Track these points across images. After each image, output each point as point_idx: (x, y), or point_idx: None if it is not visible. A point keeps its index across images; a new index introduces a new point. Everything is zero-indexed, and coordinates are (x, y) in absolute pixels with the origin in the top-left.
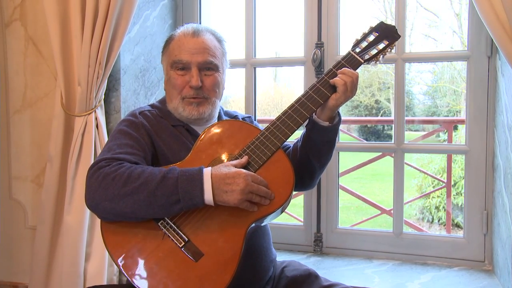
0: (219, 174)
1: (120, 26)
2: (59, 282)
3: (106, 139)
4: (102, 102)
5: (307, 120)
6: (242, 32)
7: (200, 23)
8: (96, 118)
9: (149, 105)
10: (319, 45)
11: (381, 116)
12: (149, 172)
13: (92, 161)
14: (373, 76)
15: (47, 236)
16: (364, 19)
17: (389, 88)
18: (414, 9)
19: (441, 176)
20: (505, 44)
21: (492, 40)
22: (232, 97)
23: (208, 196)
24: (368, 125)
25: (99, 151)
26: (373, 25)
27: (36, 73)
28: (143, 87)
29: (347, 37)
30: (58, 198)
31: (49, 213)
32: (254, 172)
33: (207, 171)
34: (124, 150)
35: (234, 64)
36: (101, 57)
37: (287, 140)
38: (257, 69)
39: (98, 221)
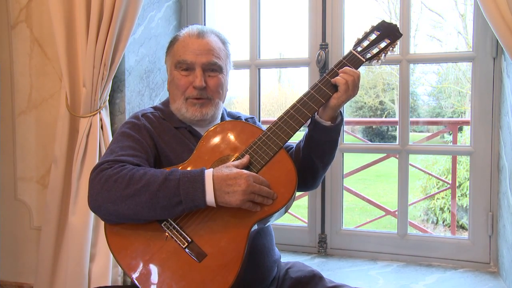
0: (220, 175)
1: (125, 28)
2: (64, 283)
3: (110, 140)
4: (107, 103)
5: (310, 120)
6: (246, 33)
7: (204, 25)
8: (101, 119)
9: (151, 107)
10: (324, 46)
11: (386, 117)
12: (151, 174)
13: (97, 162)
14: (378, 77)
15: (52, 236)
16: (369, 20)
17: (393, 89)
18: (418, 10)
19: (446, 177)
20: (511, 45)
21: (497, 41)
22: (236, 98)
23: (210, 198)
24: (373, 126)
25: (104, 152)
26: (375, 24)
27: (41, 74)
28: (147, 88)
29: (351, 38)
30: (63, 198)
31: (54, 213)
32: (257, 173)
33: (208, 173)
34: (126, 152)
35: (239, 65)
36: (106, 58)
37: (290, 140)
38: (261, 70)
39: (102, 222)
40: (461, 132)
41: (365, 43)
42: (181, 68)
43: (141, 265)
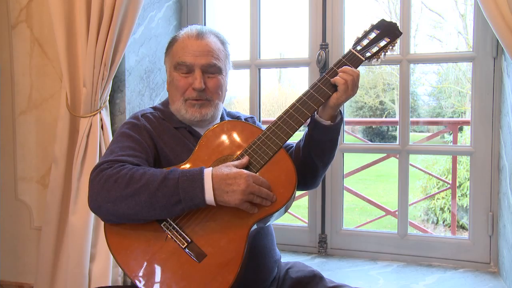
0: (220, 174)
1: (125, 28)
2: (64, 283)
3: (111, 140)
4: (107, 103)
5: (309, 119)
6: (246, 33)
7: (204, 25)
8: (101, 119)
9: (151, 108)
10: (324, 46)
11: (386, 117)
12: (150, 174)
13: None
14: (378, 77)
15: (52, 236)
16: (369, 20)
17: (393, 89)
18: (418, 10)
19: (446, 177)
20: (511, 45)
21: (497, 41)
22: (236, 98)
23: (209, 196)
24: (373, 126)
25: (104, 152)
26: (374, 23)
27: (42, 74)
28: (147, 88)
29: (352, 38)
30: (63, 198)
31: (54, 213)
32: (256, 172)
33: (207, 171)
34: (126, 152)
35: (239, 65)
36: (106, 58)
37: (290, 139)
38: (261, 70)
39: (103, 222)
40: (461, 132)
41: (365, 42)
42: (180, 69)
43: (141, 265)
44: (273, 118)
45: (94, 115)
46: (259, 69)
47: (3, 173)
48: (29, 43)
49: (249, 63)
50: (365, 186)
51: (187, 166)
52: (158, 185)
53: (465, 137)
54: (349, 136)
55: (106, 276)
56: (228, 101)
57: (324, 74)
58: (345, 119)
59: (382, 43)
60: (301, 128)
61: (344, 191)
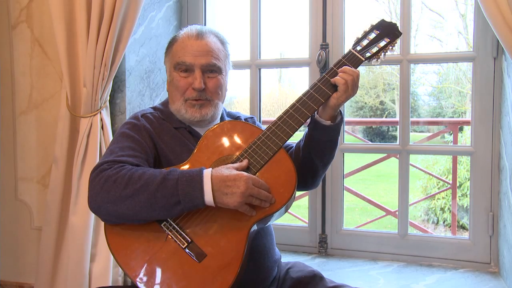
0: (219, 176)
1: (126, 28)
2: (65, 283)
3: (111, 140)
4: (108, 103)
5: (309, 119)
6: (247, 33)
7: (205, 25)
8: (101, 119)
9: (151, 108)
10: (324, 46)
11: (386, 117)
12: (150, 174)
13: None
14: (378, 77)
15: (52, 236)
16: (369, 20)
17: (394, 89)
18: (419, 10)
19: (446, 177)
20: (511, 44)
21: (498, 41)
22: (236, 98)
23: (209, 198)
24: (373, 126)
25: (104, 152)
26: (374, 23)
27: (42, 74)
28: (148, 88)
29: (352, 38)
30: (64, 199)
31: (54, 214)
32: (256, 172)
33: (207, 172)
34: (126, 152)
35: (239, 65)
36: (106, 58)
37: (290, 140)
38: (262, 70)
39: (103, 222)
40: (461, 132)
41: (365, 42)
42: (180, 69)
43: (141, 265)
44: (273, 118)
45: (94, 115)
46: (259, 69)
47: (3, 173)
48: (29, 43)
49: (249, 63)
50: (365, 186)
51: (186, 166)
52: (157, 185)
53: (465, 137)
54: (349, 136)
55: (106, 276)
56: (228, 101)
57: (324, 74)
58: (345, 119)
59: (382, 44)
60: (301, 128)
61: (344, 191)
